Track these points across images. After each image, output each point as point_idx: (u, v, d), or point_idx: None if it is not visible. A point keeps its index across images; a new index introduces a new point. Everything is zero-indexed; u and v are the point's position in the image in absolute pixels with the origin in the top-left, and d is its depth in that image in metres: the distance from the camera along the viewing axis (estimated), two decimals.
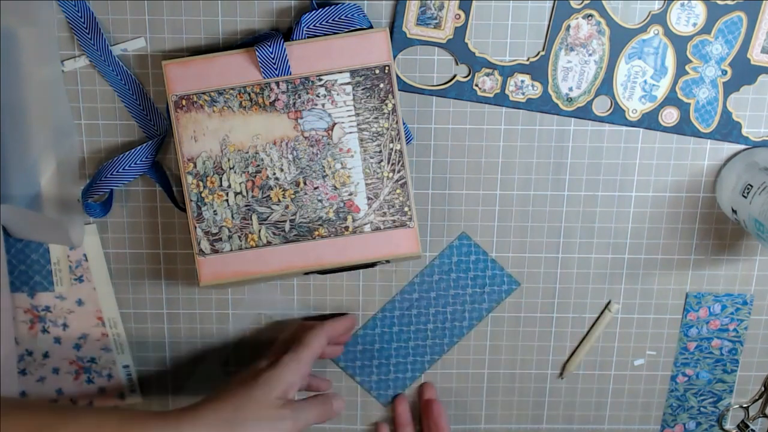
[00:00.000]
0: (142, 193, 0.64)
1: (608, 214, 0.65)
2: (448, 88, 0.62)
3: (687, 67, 0.61)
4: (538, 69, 0.61)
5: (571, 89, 0.61)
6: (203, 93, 0.59)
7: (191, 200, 0.60)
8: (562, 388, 0.70)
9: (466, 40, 0.61)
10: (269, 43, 0.57)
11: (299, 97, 0.59)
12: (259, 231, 0.60)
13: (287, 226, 0.60)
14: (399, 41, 0.61)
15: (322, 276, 0.66)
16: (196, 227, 0.60)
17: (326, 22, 0.58)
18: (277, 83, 0.59)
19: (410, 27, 0.60)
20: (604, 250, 0.66)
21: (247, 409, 0.54)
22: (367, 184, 0.60)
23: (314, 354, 0.59)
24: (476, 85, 0.62)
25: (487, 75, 0.61)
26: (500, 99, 0.62)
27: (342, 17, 0.58)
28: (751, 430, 0.69)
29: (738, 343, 0.68)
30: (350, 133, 0.59)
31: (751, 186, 0.59)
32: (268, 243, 0.60)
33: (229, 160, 0.59)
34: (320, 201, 0.60)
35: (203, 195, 0.60)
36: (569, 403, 0.70)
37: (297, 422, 0.55)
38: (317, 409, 0.58)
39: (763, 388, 0.69)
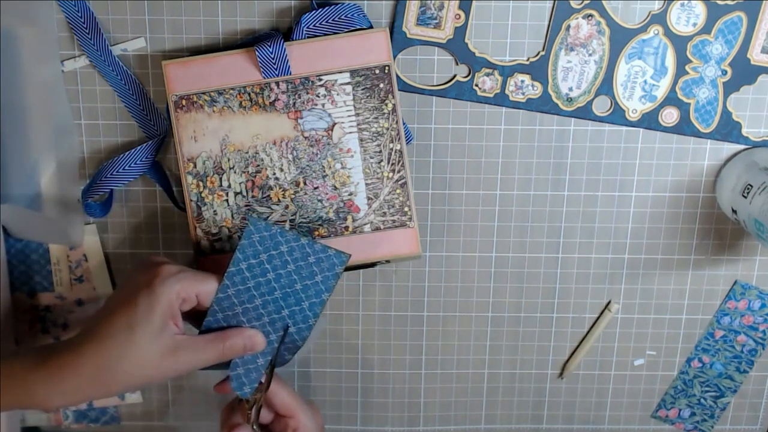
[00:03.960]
0: (142, 193, 0.64)
1: (608, 214, 0.65)
2: (448, 88, 0.62)
3: (687, 67, 0.61)
4: (538, 69, 0.61)
5: (571, 89, 0.61)
6: (203, 93, 0.59)
7: (191, 200, 0.60)
8: (562, 388, 0.69)
9: (466, 40, 0.61)
10: (269, 43, 0.57)
11: (299, 97, 0.59)
12: None
13: (287, 226, 0.60)
14: (399, 41, 0.61)
15: None
16: (196, 227, 0.60)
17: (326, 22, 0.58)
18: (277, 83, 0.59)
19: (410, 27, 0.60)
20: (604, 250, 0.66)
21: (129, 351, 0.50)
22: (367, 184, 0.60)
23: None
24: (476, 85, 0.61)
25: (487, 75, 0.61)
26: (500, 99, 0.62)
27: (342, 17, 0.58)
28: None
29: (761, 345, 0.67)
30: (350, 133, 0.59)
31: (751, 186, 0.59)
32: None
33: (229, 160, 0.59)
34: (320, 201, 0.60)
35: (203, 195, 0.60)
36: (569, 403, 0.70)
37: (186, 363, 0.52)
38: (213, 346, 0.54)
39: None
